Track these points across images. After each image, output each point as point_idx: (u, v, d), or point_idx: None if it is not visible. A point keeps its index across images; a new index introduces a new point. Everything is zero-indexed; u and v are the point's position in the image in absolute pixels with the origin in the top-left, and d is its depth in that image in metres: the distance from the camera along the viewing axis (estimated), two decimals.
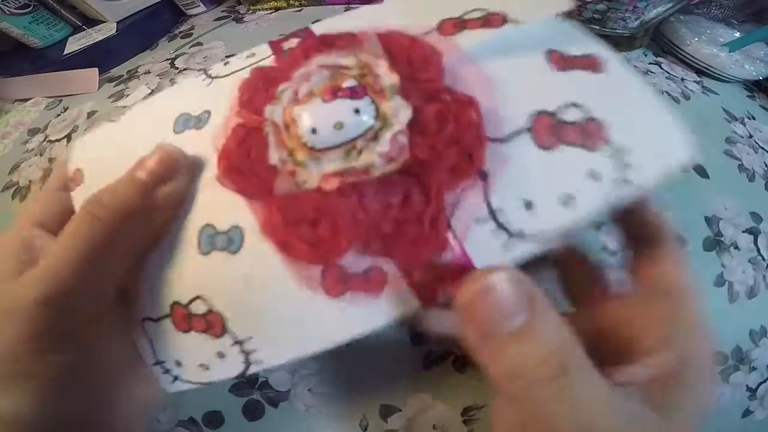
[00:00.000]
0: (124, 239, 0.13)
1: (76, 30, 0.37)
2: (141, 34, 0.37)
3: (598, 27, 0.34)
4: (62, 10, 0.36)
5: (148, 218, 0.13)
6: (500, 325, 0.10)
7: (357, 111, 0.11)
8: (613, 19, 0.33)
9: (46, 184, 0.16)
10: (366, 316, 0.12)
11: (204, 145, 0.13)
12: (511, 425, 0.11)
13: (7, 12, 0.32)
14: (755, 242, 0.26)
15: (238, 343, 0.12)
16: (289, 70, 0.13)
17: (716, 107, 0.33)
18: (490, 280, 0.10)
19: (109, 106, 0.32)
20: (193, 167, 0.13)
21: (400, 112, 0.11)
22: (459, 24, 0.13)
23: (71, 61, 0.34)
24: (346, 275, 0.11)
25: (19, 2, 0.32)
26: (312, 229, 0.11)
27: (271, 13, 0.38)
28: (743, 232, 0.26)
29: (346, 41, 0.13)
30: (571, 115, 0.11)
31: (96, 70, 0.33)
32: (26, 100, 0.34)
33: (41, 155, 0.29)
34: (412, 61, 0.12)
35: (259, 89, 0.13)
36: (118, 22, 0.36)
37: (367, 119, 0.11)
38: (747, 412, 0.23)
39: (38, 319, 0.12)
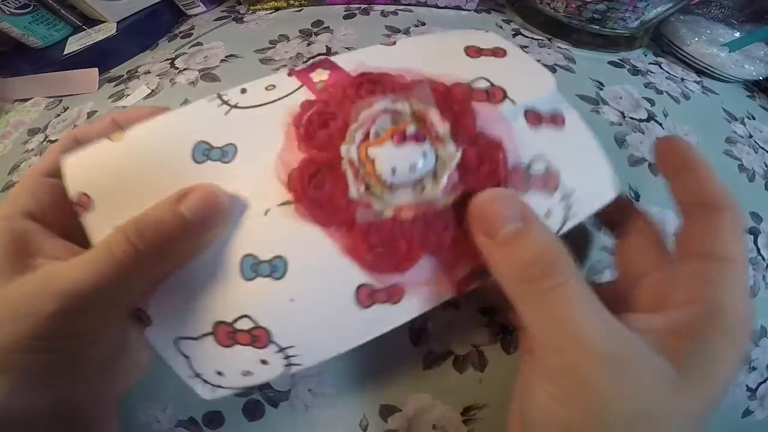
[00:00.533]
0: (155, 269, 0.13)
1: (76, 30, 0.37)
2: (141, 34, 0.37)
3: (598, 27, 0.34)
4: (62, 10, 0.36)
5: (184, 253, 0.13)
6: (501, 226, 0.12)
7: (424, 155, 0.13)
8: (613, 19, 0.33)
9: (33, 170, 0.15)
10: (385, 319, 0.14)
11: (235, 179, 0.14)
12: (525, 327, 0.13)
13: (7, 12, 0.32)
14: (755, 242, 0.26)
15: (281, 350, 0.14)
16: (343, 107, 0.14)
17: (716, 107, 0.33)
18: (495, 193, 0.13)
19: (109, 106, 0.32)
20: (234, 207, 0.14)
21: (453, 155, 0.14)
22: (467, 93, 0.16)
23: (71, 61, 0.34)
24: (376, 290, 0.14)
25: (19, 2, 0.32)
26: (391, 248, 0.14)
27: (271, 13, 0.38)
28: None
29: (392, 84, 0.15)
30: (537, 167, 0.15)
31: (96, 70, 0.33)
32: (26, 100, 0.34)
33: (41, 155, 0.29)
34: (453, 108, 0.15)
35: (316, 125, 0.14)
36: (118, 22, 0.36)
37: (431, 162, 0.14)
38: (747, 412, 0.23)
39: (44, 326, 0.12)
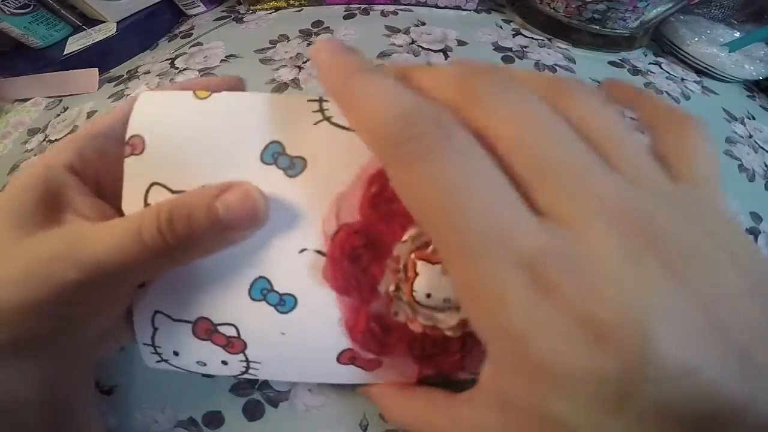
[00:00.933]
0: (179, 258, 0.13)
1: (76, 30, 0.37)
2: (141, 34, 0.37)
3: (598, 27, 0.34)
4: (62, 10, 0.36)
5: (210, 248, 0.13)
6: (339, 49, 0.12)
7: None
8: (613, 19, 0.33)
9: (86, 128, 0.15)
10: (356, 376, 0.15)
11: (289, 195, 0.13)
12: None
13: (7, 12, 0.32)
14: (755, 242, 0.26)
15: (247, 362, 0.15)
16: None
17: (716, 107, 0.33)
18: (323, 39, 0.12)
19: (109, 106, 0.32)
20: (272, 220, 0.13)
21: None
22: None
23: (71, 61, 0.34)
24: (357, 356, 0.15)
25: (19, 2, 0.32)
26: (386, 340, 0.14)
27: (271, 13, 0.38)
28: None
29: None
30: None
31: (96, 70, 0.33)
32: (26, 100, 0.34)
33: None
34: None
35: (388, 197, 0.13)
36: (118, 22, 0.36)
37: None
38: None
39: (61, 293, 0.12)
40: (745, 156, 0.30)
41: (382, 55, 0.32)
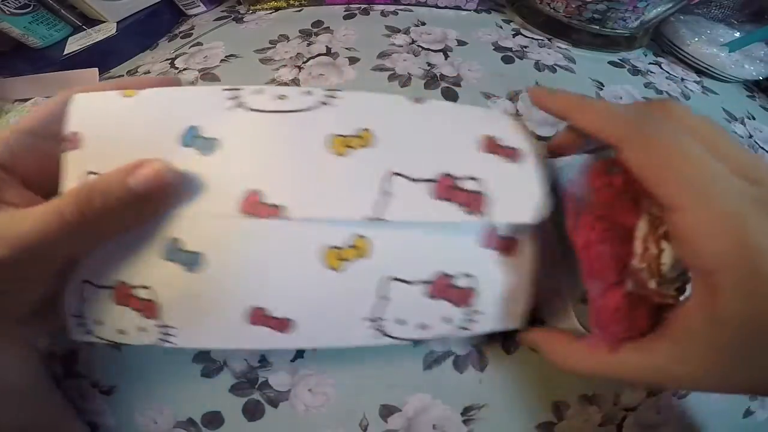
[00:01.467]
0: (99, 231, 0.14)
1: (76, 30, 0.37)
2: (141, 34, 0.37)
3: (598, 27, 0.34)
4: (62, 10, 0.36)
5: (128, 221, 0.14)
6: None
7: None
8: (613, 19, 0.33)
9: (16, 125, 0.16)
10: (265, 340, 0.16)
11: (205, 172, 0.15)
12: None
13: (7, 12, 0.32)
14: None
15: (163, 327, 0.15)
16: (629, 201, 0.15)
17: (716, 107, 0.33)
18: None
19: None
20: (185, 192, 0.15)
21: None
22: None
23: (71, 61, 0.34)
24: (265, 316, 0.15)
25: (19, 2, 0.32)
26: (632, 315, 0.15)
27: (271, 13, 0.38)
28: None
29: None
30: (468, 185, 0.16)
31: (96, 70, 0.33)
32: (26, 100, 0.34)
33: None
34: None
35: (618, 201, 0.15)
36: (118, 22, 0.36)
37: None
38: (748, 413, 0.23)
39: None
40: None
41: (382, 55, 0.32)
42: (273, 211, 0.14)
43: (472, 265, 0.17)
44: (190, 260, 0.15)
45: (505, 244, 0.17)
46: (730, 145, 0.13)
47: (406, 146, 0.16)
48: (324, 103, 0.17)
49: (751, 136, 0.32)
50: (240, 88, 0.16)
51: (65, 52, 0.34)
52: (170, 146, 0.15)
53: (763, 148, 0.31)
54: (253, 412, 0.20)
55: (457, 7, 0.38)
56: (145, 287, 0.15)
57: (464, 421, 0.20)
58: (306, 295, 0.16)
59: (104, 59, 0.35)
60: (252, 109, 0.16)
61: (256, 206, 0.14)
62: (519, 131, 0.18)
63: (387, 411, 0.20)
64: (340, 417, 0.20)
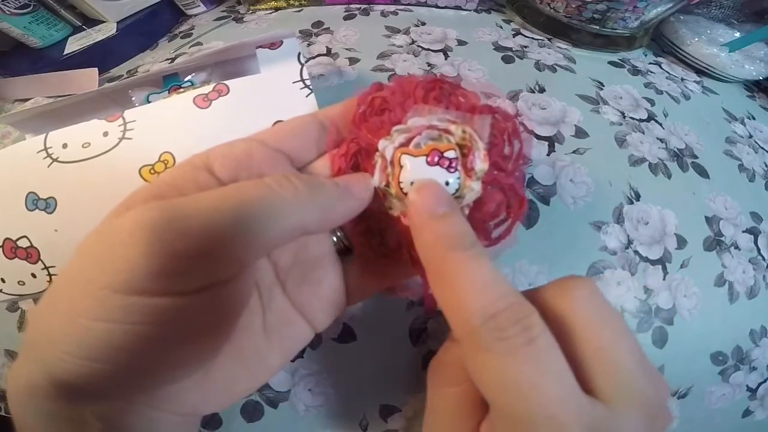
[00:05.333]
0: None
1: (76, 30, 0.37)
2: (141, 34, 0.37)
3: (598, 27, 0.34)
4: (62, 10, 0.36)
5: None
6: (435, 208, 0.13)
7: (447, 183, 0.14)
8: (613, 19, 0.33)
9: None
10: None
11: (49, 228, 0.18)
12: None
13: (7, 12, 0.32)
14: (755, 242, 0.26)
15: (46, 268, 0.18)
16: (404, 105, 0.15)
17: (716, 107, 0.33)
18: (428, 183, 0.14)
19: None
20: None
21: (474, 194, 0.14)
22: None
23: (71, 61, 0.34)
24: None
25: (19, 2, 0.32)
26: (381, 239, 0.16)
27: (271, 13, 0.38)
28: (743, 232, 0.26)
29: (459, 102, 0.16)
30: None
31: (96, 70, 0.33)
32: (26, 100, 0.34)
33: None
34: (501, 152, 0.15)
35: (375, 110, 0.16)
36: (118, 22, 0.36)
37: (450, 191, 0.14)
38: (747, 412, 0.23)
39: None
40: (745, 156, 0.30)
41: (382, 55, 0.32)
42: None
43: None
44: (47, 204, 0.18)
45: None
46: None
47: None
48: (123, 138, 0.19)
49: (751, 136, 0.32)
50: (49, 147, 0.18)
51: (65, 52, 0.35)
52: (21, 212, 0.18)
53: (763, 148, 0.31)
54: (252, 413, 0.20)
55: (457, 7, 0.38)
56: (23, 236, 0.18)
57: None
58: None
59: (104, 59, 0.35)
60: (66, 162, 0.18)
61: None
62: (309, 107, 0.19)
63: (387, 411, 0.20)
64: (340, 417, 0.20)
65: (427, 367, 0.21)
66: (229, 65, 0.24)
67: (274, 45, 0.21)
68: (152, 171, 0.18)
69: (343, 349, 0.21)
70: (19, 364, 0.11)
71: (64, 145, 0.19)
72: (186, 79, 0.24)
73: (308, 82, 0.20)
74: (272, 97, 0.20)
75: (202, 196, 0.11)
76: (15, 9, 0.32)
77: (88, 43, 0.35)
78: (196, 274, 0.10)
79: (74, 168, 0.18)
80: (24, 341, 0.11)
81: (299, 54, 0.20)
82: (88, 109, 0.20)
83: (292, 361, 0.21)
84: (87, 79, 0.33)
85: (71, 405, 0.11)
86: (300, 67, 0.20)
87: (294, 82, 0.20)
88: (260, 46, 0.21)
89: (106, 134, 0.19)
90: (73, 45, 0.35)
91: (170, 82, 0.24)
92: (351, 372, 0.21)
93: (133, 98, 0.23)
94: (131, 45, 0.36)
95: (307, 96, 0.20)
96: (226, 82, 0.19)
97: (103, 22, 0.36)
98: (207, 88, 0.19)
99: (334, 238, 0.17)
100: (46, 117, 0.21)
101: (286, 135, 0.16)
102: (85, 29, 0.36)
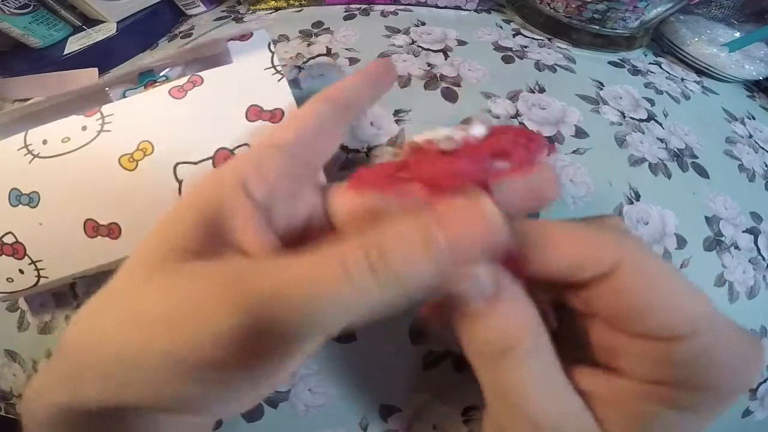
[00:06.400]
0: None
1: (76, 30, 0.37)
2: (141, 34, 0.37)
3: (598, 27, 0.34)
4: (62, 10, 0.36)
5: None
6: (470, 301, 0.11)
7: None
8: (613, 19, 0.33)
9: (272, 138, 0.14)
10: (106, 253, 0.18)
11: (41, 219, 0.18)
12: (487, 401, 0.12)
13: (7, 12, 0.32)
14: (755, 242, 0.26)
15: (33, 263, 0.19)
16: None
17: (716, 107, 0.33)
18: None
19: None
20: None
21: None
22: None
23: (71, 61, 0.34)
24: (97, 225, 0.18)
25: (19, 2, 0.32)
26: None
27: (271, 13, 0.38)
28: (743, 232, 0.26)
29: None
30: (242, 150, 0.19)
31: (96, 70, 0.33)
32: (26, 100, 0.34)
33: None
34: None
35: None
36: (118, 22, 0.36)
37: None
38: (747, 412, 0.23)
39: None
40: (745, 156, 0.30)
41: (383, 55, 0.32)
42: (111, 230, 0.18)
43: (245, 137, 0.19)
44: (30, 199, 0.18)
45: (270, 114, 0.20)
46: None
47: (181, 139, 0.19)
48: (101, 131, 0.19)
49: (751, 136, 0.32)
50: (29, 143, 0.19)
51: (65, 52, 0.34)
52: (4, 209, 0.18)
53: (763, 148, 0.31)
54: (252, 413, 0.20)
55: (457, 7, 0.38)
56: (9, 233, 0.18)
57: (464, 421, 0.20)
58: (119, 197, 0.18)
59: (104, 59, 0.35)
60: (47, 157, 0.19)
61: (96, 229, 0.18)
62: (281, 91, 0.20)
63: (387, 411, 0.20)
64: (340, 417, 0.20)
65: (429, 367, 0.21)
66: (203, 63, 0.25)
67: (244, 37, 0.22)
68: (131, 159, 0.19)
69: (343, 349, 0.21)
70: (48, 379, 0.11)
71: (44, 141, 0.19)
72: (161, 74, 0.24)
73: (280, 68, 0.20)
74: (245, 84, 0.20)
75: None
76: (15, 9, 0.32)
77: (88, 43, 0.34)
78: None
79: (55, 162, 0.19)
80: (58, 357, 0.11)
81: (269, 43, 0.21)
82: (65, 111, 0.20)
83: None
84: (87, 79, 0.33)
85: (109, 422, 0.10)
86: (271, 54, 0.21)
87: (266, 69, 0.20)
88: (231, 39, 0.22)
89: (84, 128, 0.19)
90: (73, 45, 0.35)
91: (145, 77, 0.24)
92: (351, 372, 0.21)
93: (111, 95, 0.24)
94: (131, 45, 0.36)
95: (279, 81, 0.20)
96: (199, 73, 0.20)
97: (103, 22, 0.36)
98: (182, 80, 0.20)
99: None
100: (24, 121, 0.22)
101: (307, 134, 0.14)
102: (85, 29, 0.36)
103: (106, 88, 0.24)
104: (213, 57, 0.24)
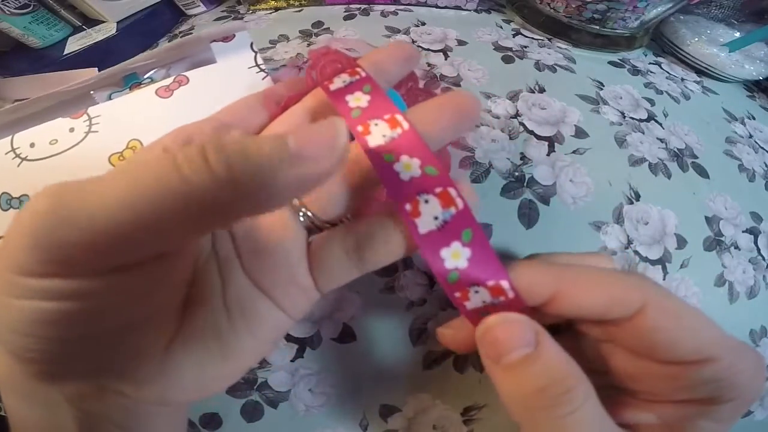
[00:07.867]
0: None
1: (76, 30, 0.37)
2: (141, 34, 0.37)
3: (598, 27, 0.34)
4: (62, 10, 0.36)
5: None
6: (508, 351, 0.12)
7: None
8: (613, 19, 0.33)
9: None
10: None
11: None
12: None
13: (7, 12, 0.32)
14: (755, 242, 0.26)
15: None
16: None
17: (716, 107, 0.33)
18: (504, 317, 0.13)
19: None
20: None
21: None
22: None
23: (71, 61, 0.34)
24: None
25: (19, 2, 0.32)
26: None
27: (271, 13, 0.38)
28: (743, 232, 0.26)
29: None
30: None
31: (96, 70, 0.33)
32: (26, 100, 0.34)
33: None
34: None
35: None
36: (118, 22, 0.36)
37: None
38: (747, 412, 0.23)
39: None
40: (745, 156, 0.30)
41: None
42: None
43: None
44: (21, 203, 0.18)
45: None
46: None
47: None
48: (89, 132, 0.19)
49: (751, 136, 0.32)
50: (17, 147, 0.19)
51: (65, 52, 0.34)
52: None
53: (763, 148, 0.31)
54: (251, 413, 0.20)
55: (457, 7, 0.38)
56: (1, 238, 0.17)
57: (464, 421, 0.20)
58: None
59: (104, 59, 0.35)
60: (35, 160, 0.19)
61: None
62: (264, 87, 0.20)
63: (387, 411, 0.20)
64: (340, 417, 0.20)
65: (430, 367, 0.21)
66: (187, 63, 0.25)
67: (227, 38, 0.22)
68: (121, 158, 0.19)
69: (343, 349, 0.21)
70: None
71: (32, 145, 0.19)
72: (146, 77, 0.25)
73: (263, 67, 0.21)
74: (230, 82, 0.21)
75: (100, 188, 0.09)
76: (15, 9, 0.32)
77: (88, 43, 0.34)
78: (92, 261, 0.09)
79: (44, 165, 0.19)
80: None
81: (251, 44, 0.22)
82: (51, 115, 0.20)
83: (292, 361, 0.21)
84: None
85: (41, 385, 0.11)
86: (254, 54, 0.22)
87: (249, 68, 0.21)
88: (214, 41, 0.22)
89: (72, 130, 0.19)
90: (73, 45, 0.35)
91: (131, 80, 0.24)
92: (351, 372, 0.21)
93: (96, 98, 0.24)
94: (131, 45, 0.36)
95: (263, 79, 0.21)
96: (185, 73, 0.20)
97: (103, 22, 0.36)
98: (168, 81, 0.20)
99: (300, 216, 0.14)
100: (9, 126, 0.22)
101: (239, 107, 0.16)
102: (85, 29, 0.36)
103: (91, 92, 0.24)
104: (197, 58, 0.24)
